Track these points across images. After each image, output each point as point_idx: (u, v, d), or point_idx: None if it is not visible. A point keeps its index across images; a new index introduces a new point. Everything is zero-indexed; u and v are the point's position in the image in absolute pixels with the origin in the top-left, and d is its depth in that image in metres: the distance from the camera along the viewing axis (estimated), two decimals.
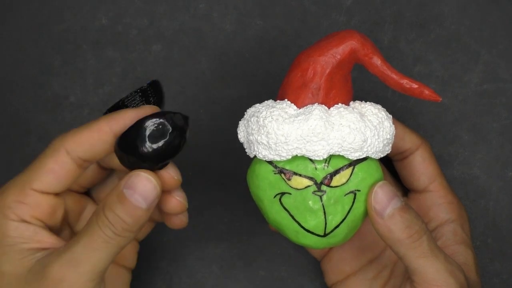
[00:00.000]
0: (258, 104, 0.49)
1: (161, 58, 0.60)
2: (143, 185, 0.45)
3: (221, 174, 0.59)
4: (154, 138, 0.45)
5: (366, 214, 0.49)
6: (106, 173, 0.52)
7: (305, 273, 0.59)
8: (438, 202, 0.53)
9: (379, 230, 0.47)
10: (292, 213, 0.48)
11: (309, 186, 0.48)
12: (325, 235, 0.48)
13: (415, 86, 0.48)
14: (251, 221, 0.59)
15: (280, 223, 0.49)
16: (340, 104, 0.48)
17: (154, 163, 0.46)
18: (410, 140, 0.52)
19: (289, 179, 0.48)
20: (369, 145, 0.47)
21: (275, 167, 0.48)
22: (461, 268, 0.49)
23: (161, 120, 0.45)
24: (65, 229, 0.51)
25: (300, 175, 0.48)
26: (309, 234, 0.48)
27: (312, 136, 0.46)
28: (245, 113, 0.49)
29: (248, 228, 0.59)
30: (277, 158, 0.47)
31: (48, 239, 0.47)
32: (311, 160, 0.48)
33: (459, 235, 0.52)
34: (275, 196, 0.48)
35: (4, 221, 0.46)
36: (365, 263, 0.54)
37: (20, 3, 0.60)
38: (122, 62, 0.60)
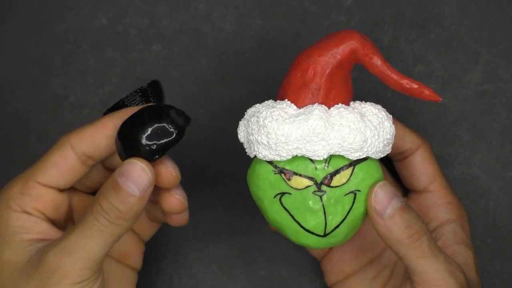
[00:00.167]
0: (258, 104, 0.49)
1: (161, 58, 0.60)
2: (135, 172, 0.46)
3: (221, 174, 0.59)
4: (153, 135, 0.46)
5: (366, 214, 0.49)
6: (111, 174, 0.52)
7: (305, 273, 0.59)
8: (438, 202, 0.53)
9: (379, 230, 0.47)
10: (292, 213, 0.48)
11: (309, 186, 0.48)
12: (325, 235, 0.48)
13: (415, 86, 0.48)
14: (251, 221, 0.59)
15: (280, 223, 0.49)
16: (340, 104, 0.48)
17: (149, 153, 0.46)
18: (410, 140, 0.52)
19: (289, 179, 0.48)
20: (369, 145, 0.47)
21: (275, 167, 0.48)
22: (461, 268, 0.49)
23: (162, 117, 0.46)
24: (69, 226, 0.51)
25: (300, 175, 0.48)
26: (309, 234, 0.48)
27: (312, 136, 0.46)
28: (245, 113, 0.49)
29: (248, 228, 0.59)
30: (277, 158, 0.47)
31: (48, 231, 0.48)
32: (311, 160, 0.48)
33: (459, 235, 0.52)
34: (275, 196, 0.48)
35: (7, 212, 0.47)
36: (365, 263, 0.54)
37: (20, 3, 0.60)
38: (122, 62, 0.60)
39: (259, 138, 0.47)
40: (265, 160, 0.48)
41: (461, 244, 0.52)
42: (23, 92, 0.60)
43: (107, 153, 0.49)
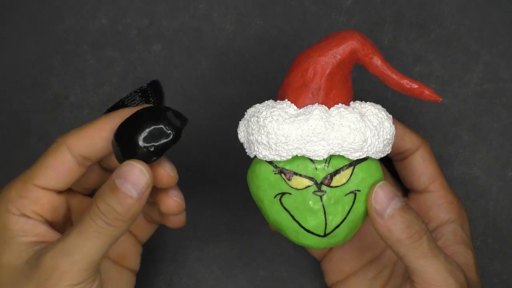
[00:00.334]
0: (258, 104, 0.49)
1: (161, 58, 0.60)
2: (133, 174, 0.46)
3: (221, 174, 0.59)
4: (150, 136, 0.46)
5: (366, 214, 0.49)
6: (108, 174, 0.52)
7: (305, 273, 0.59)
8: (438, 202, 0.53)
9: (379, 230, 0.47)
10: (292, 213, 0.48)
11: (309, 186, 0.48)
12: (325, 235, 0.48)
13: (415, 86, 0.48)
14: (251, 221, 0.59)
15: (280, 223, 0.49)
16: (340, 104, 0.48)
17: (146, 155, 0.46)
18: (410, 140, 0.52)
19: (289, 179, 0.48)
20: (369, 145, 0.47)
21: (275, 167, 0.48)
22: (461, 268, 0.49)
23: (159, 118, 0.46)
24: (68, 228, 0.51)
25: (300, 175, 0.48)
26: (309, 234, 0.48)
27: (312, 136, 0.46)
28: (245, 113, 0.49)
29: (248, 228, 0.59)
30: (277, 158, 0.47)
31: (46, 233, 0.48)
32: (311, 160, 0.48)
33: (459, 235, 0.52)
34: (275, 196, 0.48)
35: (6, 215, 0.47)
36: (365, 263, 0.54)
37: (20, 3, 0.60)
38: (122, 62, 0.60)
39: (259, 138, 0.47)
40: (265, 160, 0.48)
41: (461, 244, 0.52)
42: (23, 92, 0.60)
43: (104, 154, 0.49)
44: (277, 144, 0.47)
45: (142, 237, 0.54)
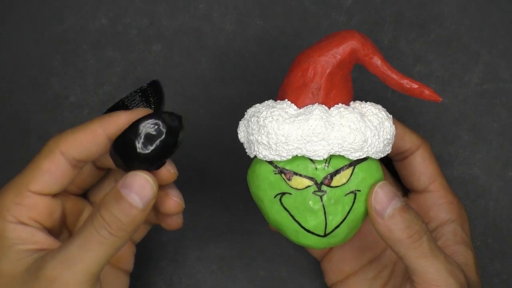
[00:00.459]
0: (258, 104, 0.49)
1: (161, 58, 0.60)
2: (140, 185, 0.45)
3: (221, 174, 0.59)
4: (149, 139, 0.45)
5: (366, 214, 0.49)
6: (102, 173, 0.52)
7: (305, 273, 0.59)
8: (438, 202, 0.53)
9: (379, 230, 0.47)
10: (292, 213, 0.48)
11: (309, 186, 0.48)
12: (325, 235, 0.48)
13: (415, 86, 0.48)
14: (251, 221, 0.59)
15: (280, 223, 0.49)
16: (340, 104, 0.48)
17: (150, 164, 0.46)
18: (410, 140, 0.52)
19: (289, 179, 0.48)
20: (370, 145, 0.47)
21: (276, 167, 0.48)
22: (461, 268, 0.49)
23: (155, 121, 0.45)
24: (64, 232, 0.51)
25: (300, 175, 0.48)
26: (309, 234, 0.48)
27: (312, 136, 0.46)
28: (245, 113, 0.49)
29: (248, 228, 0.59)
30: (278, 158, 0.47)
31: (45, 240, 0.47)
32: (311, 160, 0.48)
33: (459, 235, 0.52)
34: (275, 196, 0.48)
35: (2, 223, 0.47)
36: (365, 263, 0.54)
37: (20, 3, 0.60)
38: (122, 62, 0.60)
39: (259, 138, 0.47)
40: (265, 160, 0.48)
41: (461, 244, 0.52)
42: (23, 92, 0.60)
43: (98, 156, 0.48)
44: (277, 144, 0.47)
45: (136, 238, 0.54)
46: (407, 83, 0.48)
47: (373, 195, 0.47)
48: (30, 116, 0.60)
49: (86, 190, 0.53)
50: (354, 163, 0.48)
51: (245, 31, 0.60)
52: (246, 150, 0.49)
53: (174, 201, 0.50)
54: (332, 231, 0.48)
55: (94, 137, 0.47)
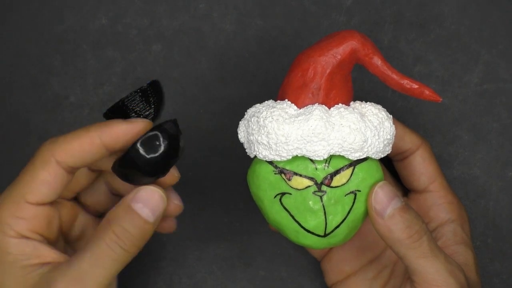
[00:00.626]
0: (258, 104, 0.49)
1: (161, 58, 0.60)
2: (151, 199, 0.46)
3: (221, 174, 0.59)
4: (153, 152, 0.46)
5: (366, 214, 0.49)
6: (95, 175, 0.52)
7: (305, 273, 0.59)
8: (438, 202, 0.53)
9: (380, 230, 0.47)
10: (292, 213, 0.48)
11: (309, 186, 0.48)
12: (325, 235, 0.48)
13: (415, 86, 0.48)
14: (251, 221, 0.59)
15: (280, 223, 0.49)
16: (340, 104, 0.48)
17: (156, 176, 0.47)
18: (410, 140, 0.52)
19: (289, 179, 0.48)
20: (370, 145, 0.47)
21: (276, 167, 0.48)
22: (461, 268, 0.49)
23: (156, 133, 0.46)
24: (60, 239, 0.50)
25: (300, 175, 0.48)
26: (309, 234, 0.48)
27: (312, 136, 0.46)
28: (246, 113, 0.49)
29: (248, 228, 0.59)
30: (278, 158, 0.47)
31: (48, 253, 0.46)
32: (311, 160, 0.48)
33: (459, 235, 0.52)
34: (275, 196, 0.48)
35: (3, 239, 0.46)
36: (365, 263, 0.54)
37: (20, 3, 0.60)
38: (122, 62, 0.60)
39: (259, 138, 0.47)
40: (265, 160, 0.48)
41: (461, 244, 0.52)
42: (23, 92, 0.60)
43: (93, 162, 0.48)
44: (277, 144, 0.47)
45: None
46: (407, 83, 0.48)
47: (373, 195, 0.47)
48: (30, 116, 0.60)
49: (77, 192, 0.52)
50: (354, 163, 0.48)
51: (245, 31, 0.60)
52: (246, 150, 0.49)
53: (174, 205, 0.50)
54: (332, 231, 0.48)
55: (91, 145, 0.46)
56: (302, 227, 0.48)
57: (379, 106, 0.49)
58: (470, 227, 0.54)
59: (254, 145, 0.48)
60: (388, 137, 0.48)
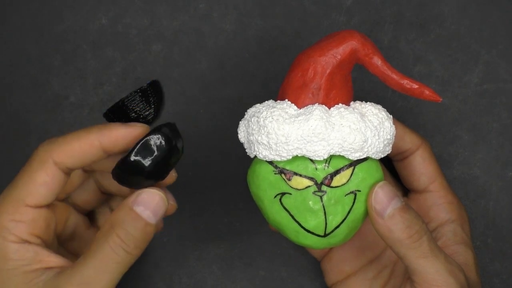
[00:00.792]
0: (258, 104, 0.49)
1: (161, 58, 0.60)
2: (153, 201, 0.46)
3: (221, 174, 0.59)
4: (152, 155, 0.46)
5: (366, 214, 0.49)
6: (88, 175, 0.52)
7: (305, 273, 0.59)
8: (438, 202, 0.53)
9: (380, 230, 0.47)
10: (292, 213, 0.48)
11: (309, 186, 0.48)
12: (325, 235, 0.48)
13: (415, 86, 0.48)
14: (251, 221, 0.59)
15: (280, 223, 0.49)
16: (340, 104, 0.48)
17: (156, 178, 0.47)
18: (410, 140, 0.52)
19: (289, 179, 0.48)
20: (370, 145, 0.47)
21: (276, 167, 0.48)
22: (461, 268, 0.49)
23: (156, 136, 0.46)
24: (54, 240, 0.50)
25: (300, 175, 0.48)
26: (309, 234, 0.48)
27: (312, 137, 0.46)
28: (246, 113, 0.49)
29: (248, 228, 0.59)
30: (278, 158, 0.47)
31: (49, 258, 0.46)
32: (311, 160, 0.48)
33: (459, 235, 0.52)
34: (275, 196, 0.48)
35: (3, 243, 0.45)
36: (365, 263, 0.54)
37: (20, 3, 0.60)
38: (122, 62, 0.60)
39: (259, 138, 0.47)
40: (266, 160, 0.48)
41: (461, 244, 0.52)
42: (23, 92, 0.60)
43: (90, 164, 0.48)
44: (277, 144, 0.47)
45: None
46: (407, 83, 0.48)
47: (373, 195, 0.47)
48: (30, 116, 0.60)
49: (69, 193, 0.52)
50: (354, 163, 0.48)
51: (245, 31, 0.60)
52: (246, 150, 0.49)
53: (169, 205, 0.50)
54: (332, 231, 0.48)
55: (89, 147, 0.46)
56: (302, 227, 0.48)
57: (379, 106, 0.49)
58: (470, 227, 0.54)
59: (254, 145, 0.48)
60: (388, 137, 0.48)
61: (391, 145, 0.49)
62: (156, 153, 0.46)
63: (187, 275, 0.59)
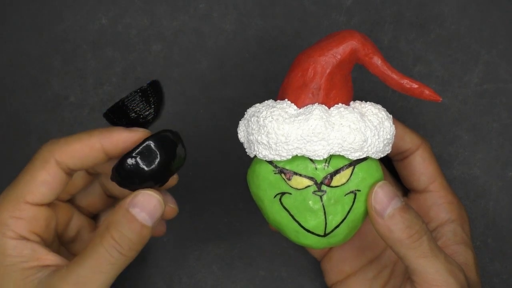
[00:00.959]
0: (258, 104, 0.49)
1: (161, 58, 0.60)
2: (149, 203, 0.46)
3: (221, 174, 0.59)
4: (152, 159, 0.46)
5: (366, 214, 0.49)
6: (92, 178, 0.52)
7: (305, 273, 0.59)
8: (438, 202, 0.53)
9: (379, 230, 0.47)
10: (292, 213, 0.48)
11: (309, 186, 0.48)
12: (325, 235, 0.48)
13: (415, 86, 0.48)
14: (251, 221, 0.59)
15: (280, 223, 0.49)
16: (340, 104, 0.48)
17: (155, 182, 0.47)
18: (410, 140, 0.52)
19: (289, 179, 0.48)
20: (369, 145, 0.47)
21: (275, 167, 0.48)
22: (461, 268, 0.49)
23: (156, 141, 0.46)
24: (55, 240, 0.50)
25: (300, 175, 0.48)
26: (309, 234, 0.48)
27: (312, 136, 0.46)
28: (245, 113, 0.49)
29: (248, 228, 0.59)
30: (277, 158, 0.47)
31: (46, 256, 0.46)
32: (311, 160, 0.48)
33: (459, 235, 0.52)
34: (275, 196, 0.48)
35: (2, 240, 0.45)
36: (365, 263, 0.54)
37: (20, 3, 0.60)
38: (122, 62, 0.60)
39: (259, 138, 0.47)
40: (265, 160, 0.48)
41: (461, 244, 0.52)
42: (23, 92, 0.60)
43: (92, 166, 0.48)
44: (277, 144, 0.47)
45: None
46: (407, 83, 0.48)
47: (373, 195, 0.47)
48: (30, 116, 0.60)
49: (72, 194, 0.52)
50: (354, 163, 0.48)
51: (245, 31, 0.60)
52: (246, 150, 0.49)
53: (170, 208, 0.50)
54: (332, 231, 0.48)
55: (91, 150, 0.47)
56: (302, 227, 0.48)
57: (379, 106, 0.49)
58: (470, 227, 0.54)
59: (254, 145, 0.48)
60: (388, 137, 0.48)
61: (391, 145, 0.49)
62: (152, 157, 0.46)
63: (187, 275, 0.59)
